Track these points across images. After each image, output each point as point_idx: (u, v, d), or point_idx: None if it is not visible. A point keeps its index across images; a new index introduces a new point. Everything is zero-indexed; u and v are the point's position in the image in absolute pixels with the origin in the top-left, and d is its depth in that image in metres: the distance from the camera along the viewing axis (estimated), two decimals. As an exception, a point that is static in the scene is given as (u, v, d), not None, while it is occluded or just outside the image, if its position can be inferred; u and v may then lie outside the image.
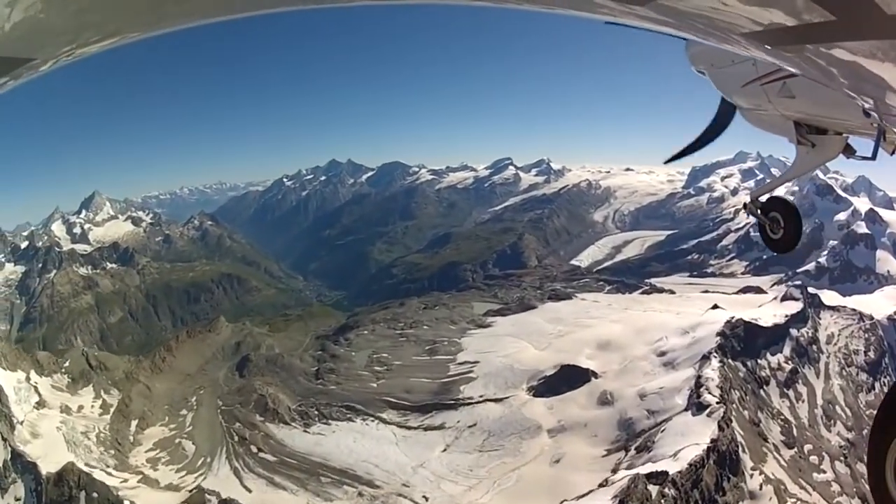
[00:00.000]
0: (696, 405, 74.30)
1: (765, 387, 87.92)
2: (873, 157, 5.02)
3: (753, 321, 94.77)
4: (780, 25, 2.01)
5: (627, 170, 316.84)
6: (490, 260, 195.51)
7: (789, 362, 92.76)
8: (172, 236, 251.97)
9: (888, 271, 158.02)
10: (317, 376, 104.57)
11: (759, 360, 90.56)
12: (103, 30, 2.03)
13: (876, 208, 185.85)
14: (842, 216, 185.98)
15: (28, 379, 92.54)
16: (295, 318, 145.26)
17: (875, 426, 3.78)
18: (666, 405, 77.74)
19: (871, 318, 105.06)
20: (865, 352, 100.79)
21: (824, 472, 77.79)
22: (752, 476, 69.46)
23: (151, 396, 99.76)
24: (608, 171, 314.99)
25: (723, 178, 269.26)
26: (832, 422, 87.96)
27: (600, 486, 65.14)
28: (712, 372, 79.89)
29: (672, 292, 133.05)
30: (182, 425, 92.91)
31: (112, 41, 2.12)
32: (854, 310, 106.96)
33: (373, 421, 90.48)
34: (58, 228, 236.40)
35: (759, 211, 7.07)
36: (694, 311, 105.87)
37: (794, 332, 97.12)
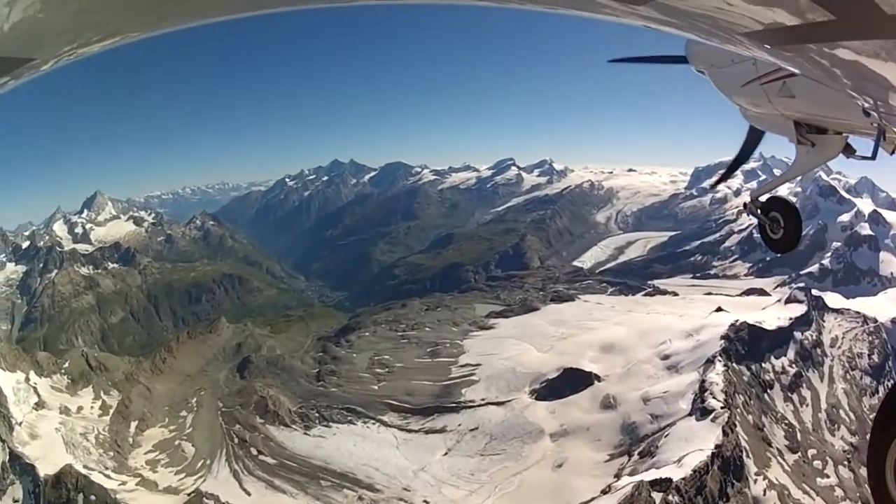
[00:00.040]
0: (701, 410, 73.81)
1: (769, 391, 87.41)
2: (873, 157, 5.09)
3: (757, 324, 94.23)
4: (781, 25, 2.03)
5: (630, 170, 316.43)
6: (492, 261, 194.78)
7: (793, 366, 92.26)
8: (174, 236, 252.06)
9: (892, 273, 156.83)
10: (318, 378, 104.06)
11: (763, 364, 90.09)
12: (103, 30, 2.05)
13: (879, 210, 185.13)
14: (845, 217, 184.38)
15: (27, 380, 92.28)
16: (296, 318, 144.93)
17: (875, 427, 3.83)
18: (670, 409, 77.20)
19: (875, 320, 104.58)
20: (869, 355, 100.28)
21: (828, 476, 77.38)
22: (755, 481, 69.07)
23: (151, 397, 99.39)
24: (611, 172, 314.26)
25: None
26: (836, 426, 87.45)
27: (603, 492, 64.66)
28: (716, 376, 79.38)
29: (675, 294, 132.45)
30: (182, 427, 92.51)
31: (112, 41, 2.14)
32: (858, 312, 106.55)
33: (374, 424, 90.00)
34: (59, 228, 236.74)
35: (759, 211, 7.06)
36: (697, 313, 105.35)
37: (797, 335, 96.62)
